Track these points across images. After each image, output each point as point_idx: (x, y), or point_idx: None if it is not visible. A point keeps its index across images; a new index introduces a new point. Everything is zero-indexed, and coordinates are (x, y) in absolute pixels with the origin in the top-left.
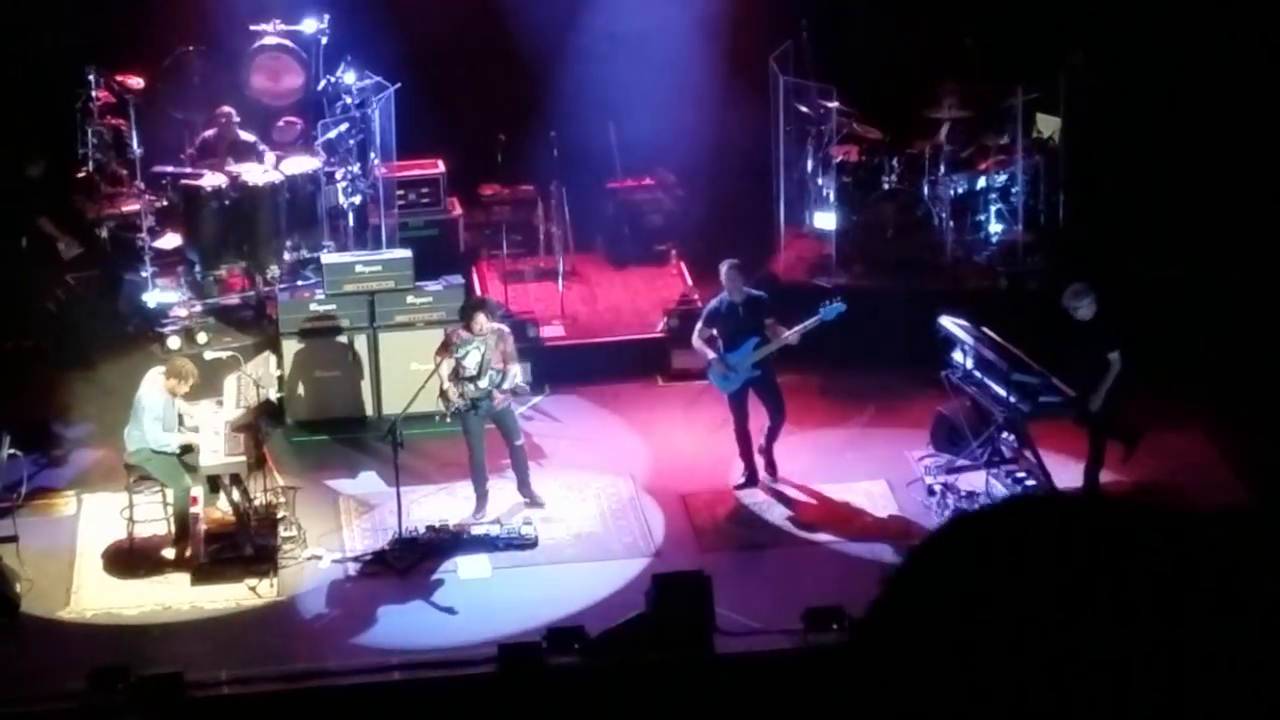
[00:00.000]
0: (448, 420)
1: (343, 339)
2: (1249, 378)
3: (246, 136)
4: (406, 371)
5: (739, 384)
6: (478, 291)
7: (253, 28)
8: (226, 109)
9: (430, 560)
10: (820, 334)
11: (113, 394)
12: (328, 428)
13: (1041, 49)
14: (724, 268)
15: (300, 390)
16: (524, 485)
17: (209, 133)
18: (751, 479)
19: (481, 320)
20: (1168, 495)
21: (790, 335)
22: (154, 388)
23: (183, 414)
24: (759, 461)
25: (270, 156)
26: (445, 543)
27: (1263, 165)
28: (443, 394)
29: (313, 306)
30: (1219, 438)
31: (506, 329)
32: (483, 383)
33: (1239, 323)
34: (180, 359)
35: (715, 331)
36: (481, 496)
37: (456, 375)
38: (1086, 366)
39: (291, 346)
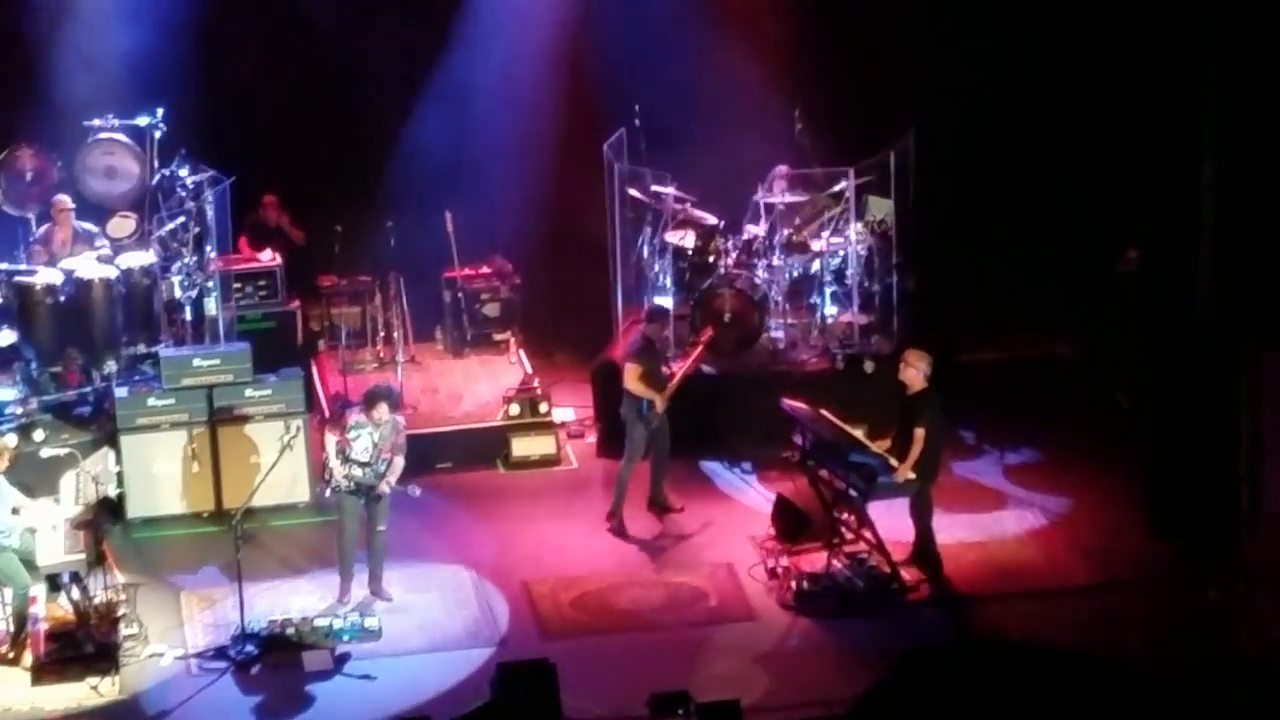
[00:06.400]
0: (328, 494)
1: (182, 433)
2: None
3: (85, 227)
4: (247, 464)
5: None
6: (317, 383)
7: (86, 123)
8: (63, 198)
9: (273, 654)
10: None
11: None
12: (168, 523)
13: (871, 133)
14: None
15: (139, 486)
16: (375, 578)
17: (45, 227)
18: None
19: (384, 409)
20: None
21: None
22: None
23: (18, 507)
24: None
25: (107, 249)
26: (288, 636)
27: (1093, 236)
28: (326, 471)
29: (151, 401)
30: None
31: (401, 421)
32: (370, 469)
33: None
34: None
35: None
36: (347, 579)
37: (344, 456)
38: (903, 435)
39: (130, 442)
